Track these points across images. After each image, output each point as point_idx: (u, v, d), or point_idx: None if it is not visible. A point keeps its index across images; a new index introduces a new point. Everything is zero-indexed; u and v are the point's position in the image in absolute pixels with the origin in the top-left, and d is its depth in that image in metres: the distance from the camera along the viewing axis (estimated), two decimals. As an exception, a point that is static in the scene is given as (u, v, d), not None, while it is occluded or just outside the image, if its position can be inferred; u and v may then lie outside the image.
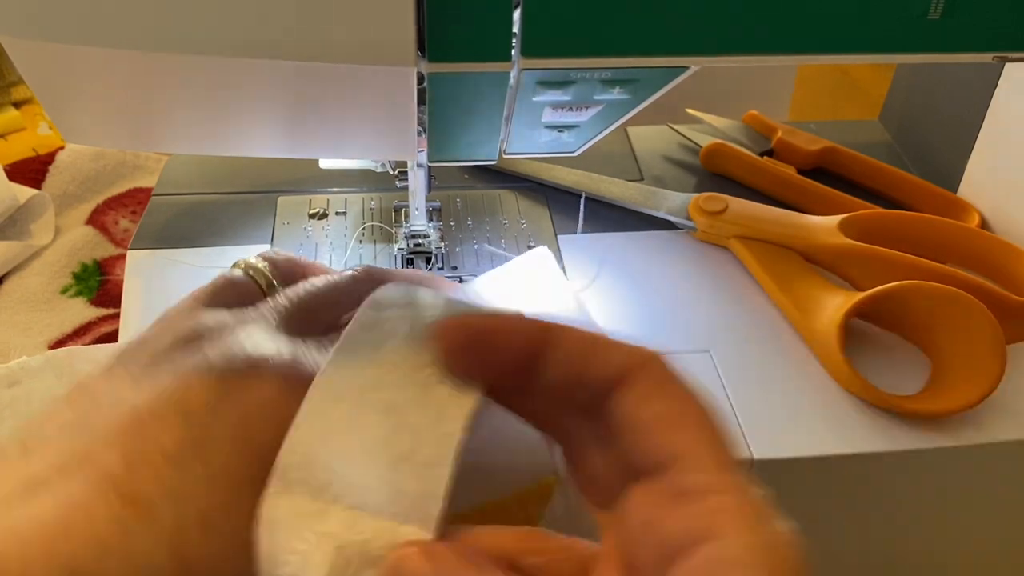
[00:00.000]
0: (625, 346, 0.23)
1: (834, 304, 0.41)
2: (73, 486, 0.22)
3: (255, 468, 0.23)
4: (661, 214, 0.50)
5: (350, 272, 0.30)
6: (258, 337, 0.26)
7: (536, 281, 0.35)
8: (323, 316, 0.29)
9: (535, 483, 0.31)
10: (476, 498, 0.32)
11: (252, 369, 0.24)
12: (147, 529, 0.22)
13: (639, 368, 0.23)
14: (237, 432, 0.23)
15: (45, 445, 0.23)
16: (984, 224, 0.49)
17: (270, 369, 0.25)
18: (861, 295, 0.40)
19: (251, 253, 0.31)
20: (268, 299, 0.28)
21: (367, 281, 0.30)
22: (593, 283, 0.46)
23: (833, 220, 0.45)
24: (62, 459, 0.23)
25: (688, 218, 0.49)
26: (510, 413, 0.26)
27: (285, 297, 0.28)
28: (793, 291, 0.43)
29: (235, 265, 0.30)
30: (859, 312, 0.41)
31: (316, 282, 0.29)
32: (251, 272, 0.30)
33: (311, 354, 0.26)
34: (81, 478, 0.22)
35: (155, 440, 0.23)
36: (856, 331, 0.42)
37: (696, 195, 0.49)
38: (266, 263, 0.31)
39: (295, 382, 0.24)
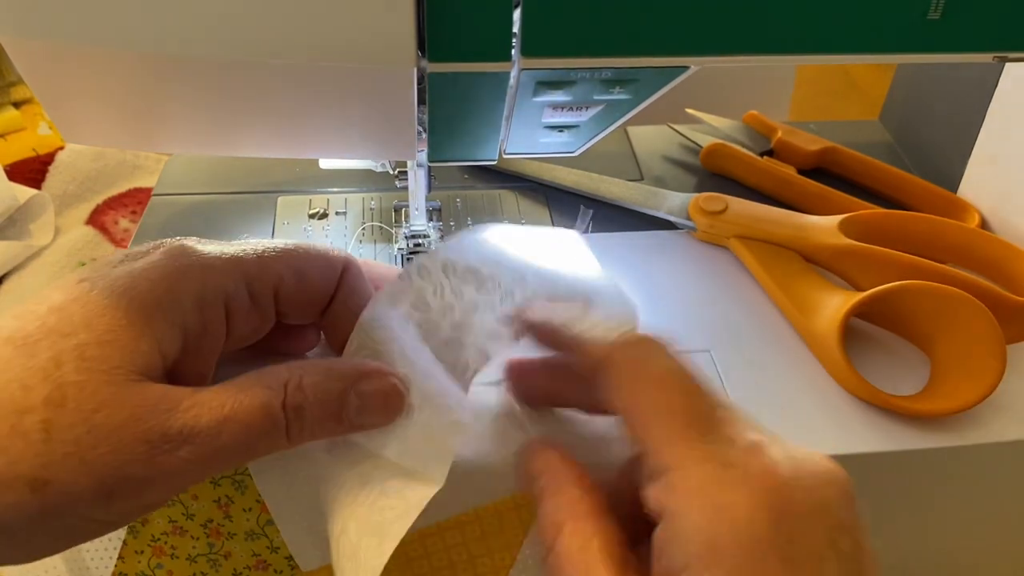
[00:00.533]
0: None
1: (834, 304, 0.41)
2: None
3: (142, 308, 0.26)
4: (661, 214, 0.50)
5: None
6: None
7: (565, 253, 0.35)
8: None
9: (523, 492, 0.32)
10: (471, 500, 0.32)
11: (144, 251, 0.28)
12: (25, 357, 0.24)
13: (607, 358, 0.27)
14: (119, 285, 0.26)
15: None
16: (984, 224, 0.49)
17: (159, 249, 0.28)
18: (861, 295, 0.40)
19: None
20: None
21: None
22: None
23: (833, 220, 0.45)
24: None
25: (688, 218, 0.49)
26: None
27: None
28: (793, 291, 0.43)
29: None
30: (859, 312, 0.41)
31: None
32: None
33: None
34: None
35: (46, 298, 0.26)
36: (856, 331, 0.42)
37: (696, 195, 0.49)
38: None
39: (179, 255, 0.28)
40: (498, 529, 0.33)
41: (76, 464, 0.24)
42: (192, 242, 0.29)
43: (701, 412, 0.25)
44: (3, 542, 0.24)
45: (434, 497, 0.28)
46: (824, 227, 0.45)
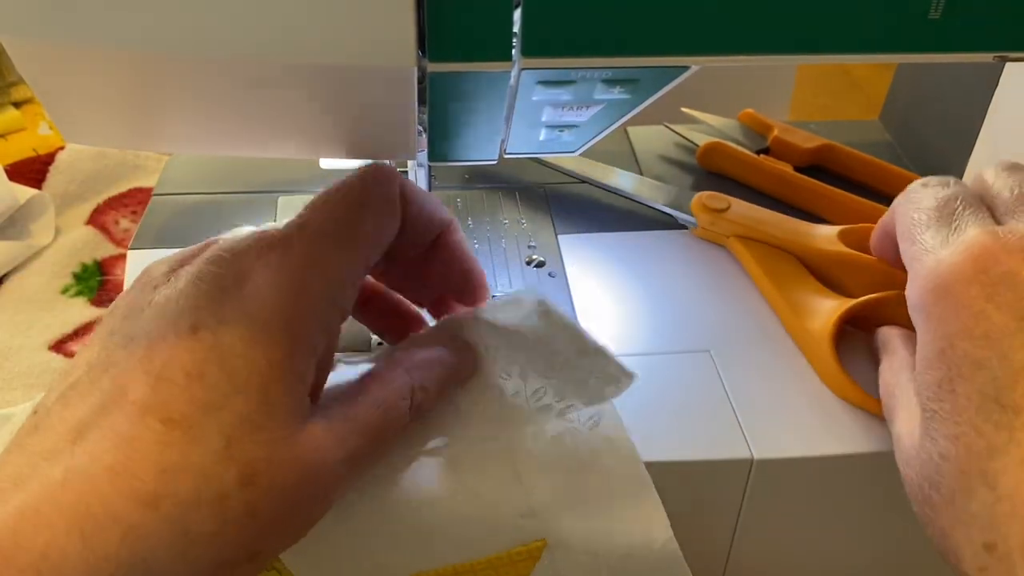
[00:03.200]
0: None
1: (828, 308, 0.41)
2: (115, 420, 0.23)
3: (279, 345, 0.24)
4: (660, 206, 0.50)
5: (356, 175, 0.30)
6: (232, 233, 0.28)
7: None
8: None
9: (525, 544, 0.31)
10: (466, 553, 0.32)
11: (235, 258, 0.26)
12: (196, 443, 0.23)
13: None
14: (244, 325, 0.24)
15: (78, 392, 0.25)
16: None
17: (252, 250, 0.26)
18: (854, 301, 0.40)
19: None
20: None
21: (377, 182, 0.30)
22: (593, 283, 0.46)
23: (834, 229, 0.45)
24: (98, 399, 0.24)
25: (690, 214, 0.49)
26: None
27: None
28: (789, 293, 0.43)
29: None
30: (852, 318, 0.41)
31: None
32: None
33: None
34: (119, 412, 0.23)
35: (174, 361, 0.24)
36: (850, 336, 0.42)
37: (700, 193, 0.49)
38: None
39: (279, 242, 0.26)
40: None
41: (278, 538, 0.25)
42: (301, 248, 0.26)
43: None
44: None
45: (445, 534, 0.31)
46: (824, 235, 0.45)
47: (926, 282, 0.30)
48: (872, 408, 0.38)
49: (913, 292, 0.31)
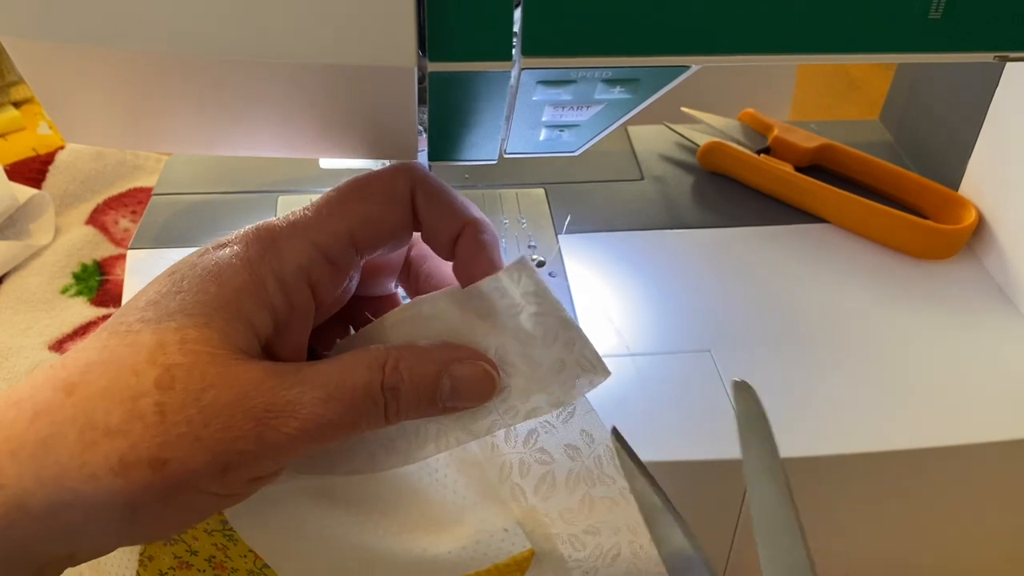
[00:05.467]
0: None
1: None
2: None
3: (228, 284, 0.27)
4: None
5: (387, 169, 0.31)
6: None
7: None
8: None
9: (511, 556, 0.31)
10: (455, 570, 0.32)
11: (224, 242, 0.29)
12: (129, 346, 0.26)
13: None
14: (206, 274, 0.27)
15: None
16: (983, 222, 0.49)
17: (237, 238, 0.29)
18: None
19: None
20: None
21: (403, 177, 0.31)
22: (593, 283, 0.46)
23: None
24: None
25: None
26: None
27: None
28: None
29: None
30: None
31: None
32: None
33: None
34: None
35: (144, 294, 0.27)
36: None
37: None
38: None
39: (254, 240, 0.29)
40: None
41: (191, 442, 0.25)
42: (267, 223, 0.30)
43: None
44: (135, 520, 0.25)
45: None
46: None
47: None
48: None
49: None
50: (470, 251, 0.31)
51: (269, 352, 0.28)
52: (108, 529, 0.25)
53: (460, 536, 0.32)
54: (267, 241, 0.29)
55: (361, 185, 0.31)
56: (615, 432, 0.32)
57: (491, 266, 0.31)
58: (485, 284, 0.30)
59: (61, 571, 0.27)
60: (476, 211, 0.32)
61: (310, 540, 0.32)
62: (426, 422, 0.31)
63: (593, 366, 0.30)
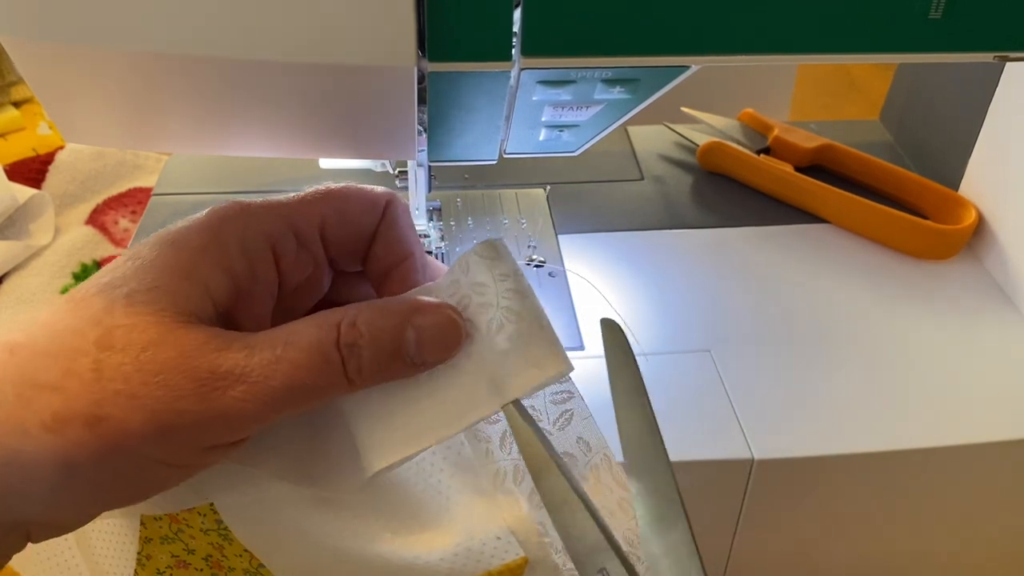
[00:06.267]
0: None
1: None
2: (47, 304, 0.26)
3: (183, 251, 0.28)
4: None
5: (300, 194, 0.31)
6: None
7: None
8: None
9: (504, 564, 0.31)
10: None
11: (186, 220, 0.29)
12: (77, 311, 0.26)
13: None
14: (167, 239, 0.28)
15: None
16: (983, 222, 0.49)
17: (200, 216, 0.29)
18: None
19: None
20: None
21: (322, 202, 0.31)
22: (593, 283, 0.46)
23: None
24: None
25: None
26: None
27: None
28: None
29: None
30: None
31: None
32: None
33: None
34: (53, 301, 0.27)
35: (105, 270, 0.27)
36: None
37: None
38: None
39: (222, 207, 0.29)
40: None
41: (126, 401, 0.24)
42: (240, 200, 0.30)
43: None
44: (73, 483, 0.25)
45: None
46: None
47: None
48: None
49: None
50: (401, 275, 0.31)
51: (230, 322, 0.28)
52: (49, 494, 0.25)
53: (453, 543, 0.31)
54: (235, 208, 0.29)
55: (343, 187, 0.31)
56: (604, 321, 0.32)
57: (405, 290, 0.31)
58: (443, 279, 0.29)
59: (19, 546, 0.26)
60: (422, 250, 0.32)
61: (304, 541, 0.32)
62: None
63: (539, 362, 0.28)
